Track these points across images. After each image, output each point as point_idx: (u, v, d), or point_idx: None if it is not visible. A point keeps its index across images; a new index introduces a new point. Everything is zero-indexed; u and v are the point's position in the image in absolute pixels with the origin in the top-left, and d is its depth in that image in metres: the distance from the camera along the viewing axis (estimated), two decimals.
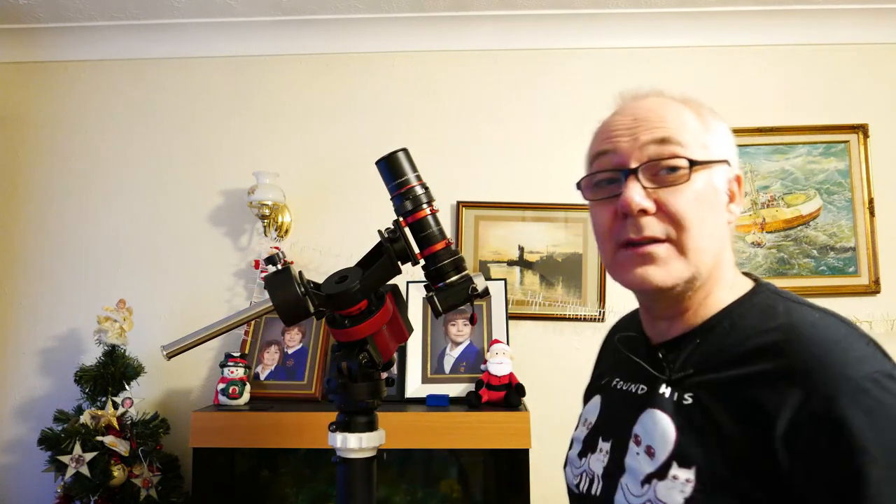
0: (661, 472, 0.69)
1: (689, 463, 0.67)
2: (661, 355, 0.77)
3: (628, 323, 0.93)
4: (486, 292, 0.92)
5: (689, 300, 0.76)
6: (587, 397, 0.94)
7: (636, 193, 0.72)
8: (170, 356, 0.90)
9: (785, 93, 2.10)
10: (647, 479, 0.71)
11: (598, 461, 0.80)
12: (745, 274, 0.80)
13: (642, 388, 0.78)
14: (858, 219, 2.05)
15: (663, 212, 0.72)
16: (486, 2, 2.04)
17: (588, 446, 0.84)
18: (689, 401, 0.70)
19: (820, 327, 0.67)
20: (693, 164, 0.72)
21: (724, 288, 0.76)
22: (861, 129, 2.08)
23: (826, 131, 2.08)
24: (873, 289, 2.02)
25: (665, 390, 0.74)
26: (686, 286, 0.74)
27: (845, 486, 0.59)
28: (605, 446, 0.80)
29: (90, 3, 2.04)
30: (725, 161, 0.76)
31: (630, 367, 0.82)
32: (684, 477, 0.67)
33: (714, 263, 0.75)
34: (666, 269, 0.73)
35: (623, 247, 0.75)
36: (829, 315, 0.70)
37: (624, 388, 0.82)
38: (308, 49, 2.19)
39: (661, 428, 0.71)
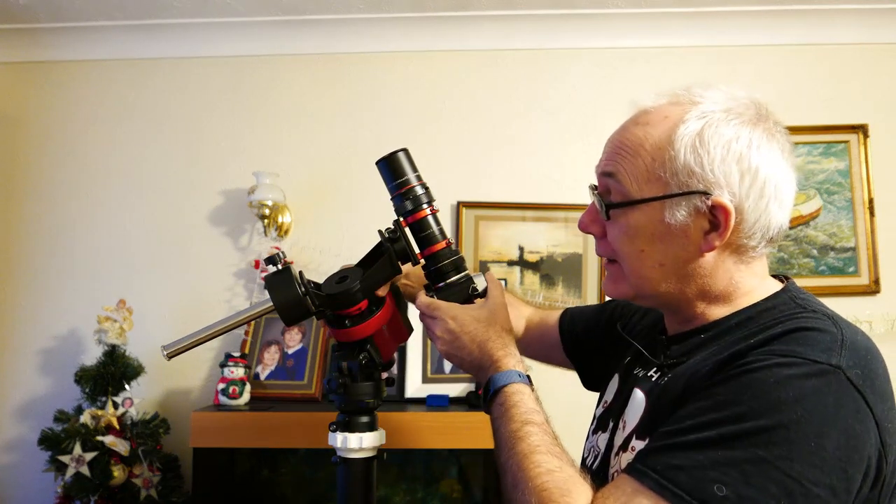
0: (626, 444, 0.75)
1: (644, 435, 0.72)
2: (663, 340, 0.81)
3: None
4: (486, 292, 0.92)
5: (683, 311, 0.78)
6: (615, 370, 0.93)
7: (584, 215, 0.81)
8: (170, 356, 0.90)
9: (785, 93, 2.10)
10: (617, 452, 0.77)
11: (604, 440, 0.84)
12: (777, 276, 0.80)
13: (642, 372, 0.82)
14: (858, 219, 2.05)
15: (606, 239, 0.79)
16: (486, 2, 2.04)
17: (600, 425, 0.87)
18: (664, 381, 0.74)
19: (800, 319, 0.68)
20: (624, 203, 0.74)
21: (731, 299, 0.76)
22: (861, 129, 2.08)
23: (826, 131, 2.08)
24: (873, 289, 2.02)
25: (654, 374, 0.78)
26: (653, 301, 0.80)
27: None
28: (612, 426, 0.84)
29: (90, 3, 2.04)
30: (693, 193, 0.71)
31: (644, 353, 0.85)
32: (639, 448, 0.71)
33: (681, 288, 0.75)
34: (614, 285, 0.81)
35: None
36: (827, 317, 0.69)
37: (636, 372, 0.85)
38: (308, 49, 2.19)
39: (636, 404, 0.77)
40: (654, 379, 0.77)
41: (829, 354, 0.62)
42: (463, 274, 0.92)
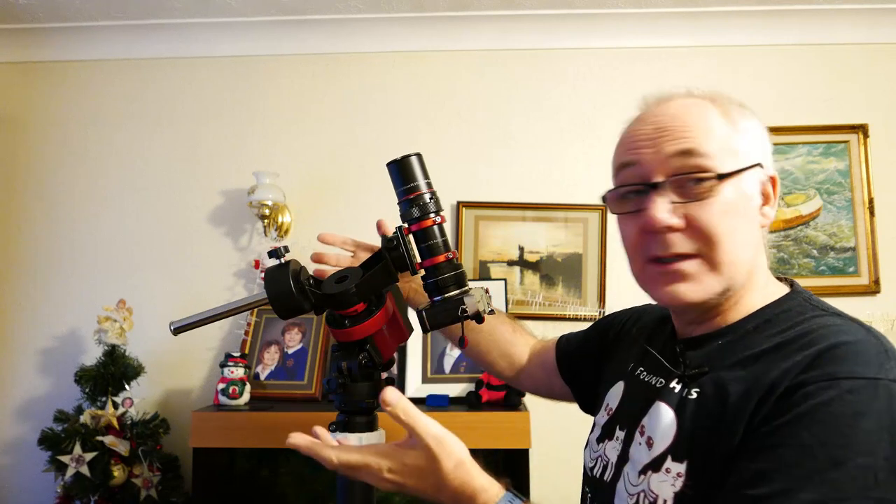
0: (657, 465, 0.70)
1: (683, 457, 0.68)
2: (678, 349, 0.77)
3: (662, 310, 0.90)
4: (477, 316, 0.85)
5: (721, 306, 0.75)
6: (613, 372, 0.91)
7: (660, 210, 0.70)
8: (177, 332, 0.92)
9: (785, 93, 2.10)
10: (644, 470, 0.72)
11: (613, 449, 0.81)
12: (780, 278, 0.79)
13: (660, 382, 0.77)
14: (858, 219, 2.05)
15: (693, 227, 0.70)
16: (486, 2, 2.04)
17: (606, 433, 0.85)
18: (694, 395, 0.70)
19: (835, 330, 0.66)
20: (720, 177, 0.70)
21: (756, 291, 0.75)
22: (861, 129, 2.08)
23: (826, 131, 2.08)
24: (873, 289, 2.02)
25: (676, 385, 0.74)
26: (719, 298, 0.73)
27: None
28: (620, 434, 0.81)
29: (90, 3, 2.04)
30: (757, 164, 0.73)
31: (655, 359, 0.82)
32: (676, 471, 0.68)
33: (748, 271, 0.74)
34: (698, 286, 0.71)
35: (651, 262, 0.74)
36: (853, 321, 0.69)
37: (645, 378, 0.82)
38: (308, 49, 2.19)
39: (663, 421, 0.72)
40: (676, 391, 0.73)
41: (885, 369, 0.61)
42: (462, 290, 0.86)
